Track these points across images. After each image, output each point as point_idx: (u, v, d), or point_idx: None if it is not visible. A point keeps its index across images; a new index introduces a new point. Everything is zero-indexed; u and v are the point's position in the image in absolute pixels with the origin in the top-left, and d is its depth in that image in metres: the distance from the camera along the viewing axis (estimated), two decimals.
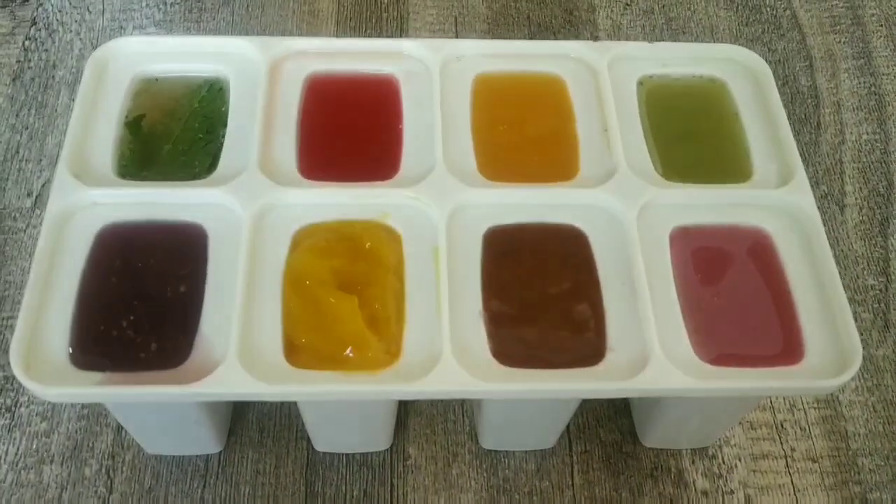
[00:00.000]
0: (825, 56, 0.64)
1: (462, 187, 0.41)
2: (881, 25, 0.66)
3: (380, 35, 0.64)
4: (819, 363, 0.37)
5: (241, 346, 0.36)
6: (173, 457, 0.45)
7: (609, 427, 0.47)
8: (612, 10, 0.66)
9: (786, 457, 0.47)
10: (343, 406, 0.41)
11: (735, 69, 0.46)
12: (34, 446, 0.45)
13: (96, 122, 0.43)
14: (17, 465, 0.45)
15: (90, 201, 0.40)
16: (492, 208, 0.41)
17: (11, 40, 0.62)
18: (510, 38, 0.64)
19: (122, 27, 0.63)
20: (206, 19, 0.64)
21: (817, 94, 0.62)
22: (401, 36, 0.64)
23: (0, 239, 0.52)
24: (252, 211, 0.40)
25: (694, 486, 0.46)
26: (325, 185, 0.41)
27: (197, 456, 0.45)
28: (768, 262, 0.40)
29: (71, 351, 0.36)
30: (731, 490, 0.45)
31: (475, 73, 0.46)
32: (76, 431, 0.46)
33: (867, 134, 0.60)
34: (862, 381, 0.49)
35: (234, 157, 0.42)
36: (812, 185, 0.44)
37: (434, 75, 0.45)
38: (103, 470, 0.45)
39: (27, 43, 0.62)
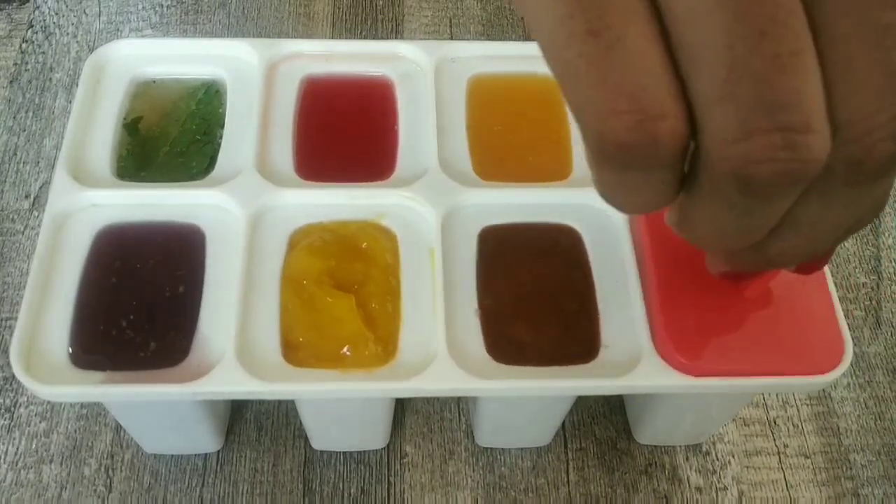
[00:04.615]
0: None
1: (457, 188, 0.41)
2: None
3: (375, 37, 0.64)
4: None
5: (239, 345, 0.36)
6: (172, 456, 0.46)
7: (604, 424, 0.48)
8: None
9: (779, 453, 0.47)
10: (340, 404, 0.41)
11: None
12: (33, 446, 0.45)
13: (94, 124, 0.43)
14: (16, 465, 0.45)
15: (89, 202, 0.40)
16: (487, 208, 0.41)
17: (8, 43, 0.62)
18: (505, 39, 0.64)
19: (118, 30, 0.63)
20: (203, 21, 0.64)
21: None
22: (396, 38, 0.64)
23: None
24: (249, 211, 0.40)
25: (688, 482, 0.46)
26: (321, 186, 0.41)
27: (195, 455, 0.46)
28: None
29: (70, 351, 0.36)
30: (725, 486, 0.46)
31: (470, 74, 0.46)
32: (75, 431, 0.46)
33: None
34: (854, 377, 0.50)
35: (232, 159, 0.42)
36: None
37: (429, 77, 0.45)
38: (102, 469, 0.45)
39: (24, 45, 0.62)
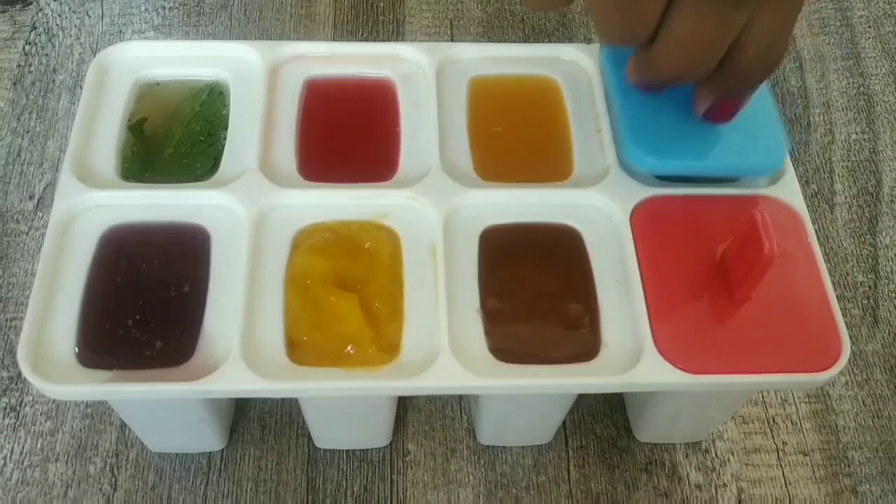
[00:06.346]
0: (815, 57, 0.65)
1: (459, 188, 0.42)
2: (869, 27, 0.67)
3: (376, 38, 0.65)
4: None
5: (243, 344, 0.37)
6: (176, 454, 0.46)
7: (604, 422, 0.48)
8: None
9: (777, 450, 0.48)
10: (343, 403, 0.42)
11: None
12: (39, 445, 0.46)
13: (99, 125, 0.43)
14: (22, 464, 0.45)
15: (94, 203, 0.41)
16: (488, 208, 0.42)
17: (12, 45, 0.63)
18: (505, 40, 0.65)
19: (121, 32, 0.64)
20: (205, 23, 0.65)
21: (807, 95, 0.63)
22: (397, 39, 0.64)
23: (3, 241, 0.53)
24: (253, 212, 0.40)
25: (688, 479, 0.46)
26: (324, 187, 0.42)
27: (200, 454, 0.46)
28: None
29: (77, 350, 0.37)
30: (724, 483, 0.46)
31: (471, 75, 0.47)
32: (81, 430, 0.46)
33: (856, 133, 0.61)
34: (852, 375, 0.50)
35: (235, 160, 0.42)
36: (802, 184, 0.45)
37: (430, 78, 0.46)
38: (107, 468, 0.45)
39: (27, 48, 0.62)
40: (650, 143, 0.41)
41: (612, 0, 0.32)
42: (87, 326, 0.37)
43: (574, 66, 0.47)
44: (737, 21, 0.32)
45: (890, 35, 0.67)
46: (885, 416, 0.49)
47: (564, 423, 0.48)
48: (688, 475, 0.47)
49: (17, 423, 0.47)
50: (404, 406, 0.48)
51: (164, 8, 0.65)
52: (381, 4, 0.67)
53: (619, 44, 0.34)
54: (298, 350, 0.37)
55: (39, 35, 0.63)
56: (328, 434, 0.46)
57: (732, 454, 0.47)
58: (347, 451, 0.47)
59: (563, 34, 0.66)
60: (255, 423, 0.47)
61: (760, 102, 0.42)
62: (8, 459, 0.45)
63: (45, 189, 0.55)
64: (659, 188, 0.42)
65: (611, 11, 0.32)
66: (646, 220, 0.41)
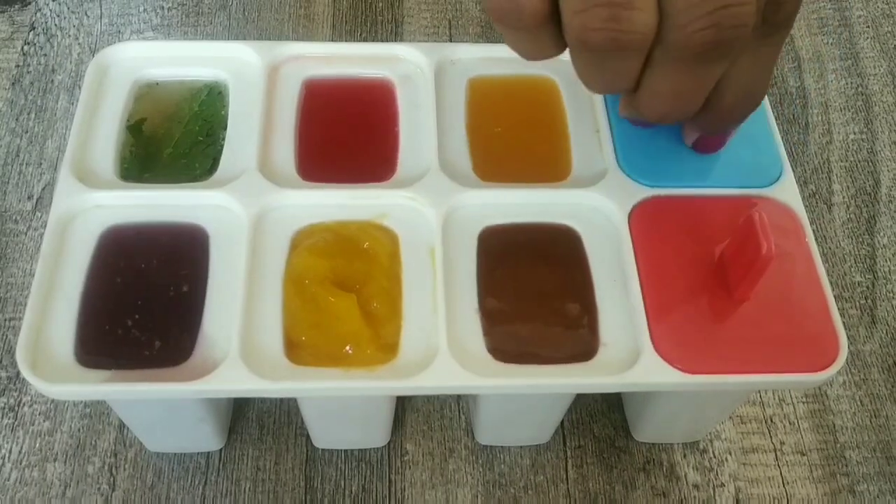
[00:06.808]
0: (813, 57, 0.65)
1: (457, 188, 0.42)
2: (868, 27, 0.67)
3: (375, 39, 0.65)
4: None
5: (242, 344, 0.37)
6: (175, 454, 0.46)
7: (602, 422, 0.48)
8: None
9: (775, 450, 0.48)
10: (342, 402, 0.42)
11: None
12: (37, 445, 0.46)
13: (98, 125, 0.43)
14: (20, 464, 0.45)
15: (93, 203, 0.41)
16: (487, 208, 0.42)
17: (10, 45, 0.63)
18: (504, 41, 0.65)
19: (119, 32, 0.64)
20: (204, 23, 0.65)
21: (805, 95, 0.63)
22: (396, 39, 0.65)
23: (1, 241, 0.53)
24: (252, 212, 0.40)
25: (685, 479, 0.47)
26: (323, 187, 0.42)
27: (198, 453, 0.46)
28: None
29: (76, 350, 0.37)
30: (722, 483, 0.46)
31: (469, 75, 0.47)
32: (79, 430, 0.46)
33: (854, 133, 0.61)
34: (849, 375, 0.50)
35: (234, 160, 0.42)
36: (800, 185, 0.45)
37: (429, 78, 0.46)
38: (106, 467, 0.45)
39: (26, 48, 0.62)
40: (644, 164, 0.42)
41: (591, 61, 0.32)
42: (85, 326, 0.37)
43: (573, 67, 0.47)
44: (713, 75, 0.33)
45: (888, 35, 0.67)
46: (883, 415, 0.49)
47: (563, 422, 0.48)
48: (686, 475, 0.47)
49: (16, 422, 0.47)
50: (403, 406, 0.48)
51: (162, 8, 0.65)
52: (380, 4, 0.67)
53: (602, 94, 0.35)
54: (297, 350, 0.37)
55: (38, 35, 0.63)
56: (326, 434, 0.46)
57: (730, 454, 0.47)
58: (346, 450, 0.47)
59: None
60: (254, 423, 0.47)
61: (757, 117, 0.42)
62: (6, 459, 0.45)
63: (43, 189, 0.55)
64: (657, 188, 0.42)
65: (590, 69, 0.33)
66: (644, 220, 0.41)
